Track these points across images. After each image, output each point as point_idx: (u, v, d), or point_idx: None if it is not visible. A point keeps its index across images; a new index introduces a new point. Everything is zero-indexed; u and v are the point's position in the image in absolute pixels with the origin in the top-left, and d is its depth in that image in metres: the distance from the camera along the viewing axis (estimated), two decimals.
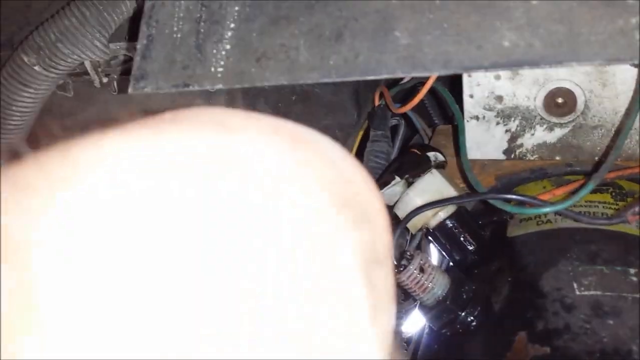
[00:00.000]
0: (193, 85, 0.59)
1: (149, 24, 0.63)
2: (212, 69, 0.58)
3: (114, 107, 1.03)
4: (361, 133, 1.04)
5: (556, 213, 0.65)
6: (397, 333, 0.83)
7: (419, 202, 0.74)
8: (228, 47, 0.59)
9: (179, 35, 0.61)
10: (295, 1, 0.57)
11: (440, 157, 0.79)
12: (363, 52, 0.53)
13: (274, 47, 0.57)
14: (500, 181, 0.85)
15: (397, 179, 0.76)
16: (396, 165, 0.85)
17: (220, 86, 0.58)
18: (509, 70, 0.73)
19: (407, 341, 0.85)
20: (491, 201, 0.68)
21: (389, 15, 0.53)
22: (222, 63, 0.58)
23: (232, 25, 0.59)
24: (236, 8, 0.60)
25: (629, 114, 0.70)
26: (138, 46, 0.62)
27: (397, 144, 0.98)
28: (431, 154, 0.78)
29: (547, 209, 0.63)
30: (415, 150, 0.82)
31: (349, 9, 0.55)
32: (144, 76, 0.61)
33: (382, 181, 0.81)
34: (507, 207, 0.67)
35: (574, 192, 0.73)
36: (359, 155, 1.02)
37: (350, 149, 1.03)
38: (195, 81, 0.59)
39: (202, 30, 0.60)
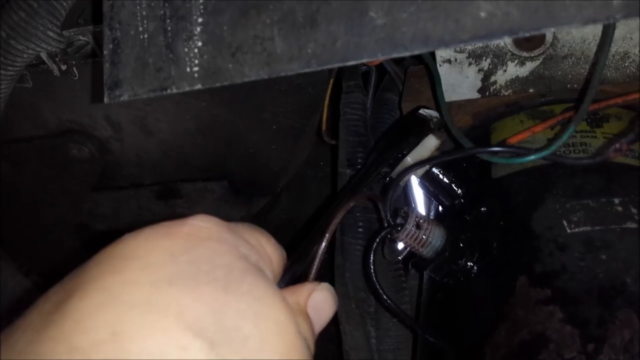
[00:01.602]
0: (171, 88, 0.58)
1: (111, 26, 0.60)
2: (188, 69, 0.57)
3: (76, 93, 1.01)
4: (331, 83, 1.04)
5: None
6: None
7: (412, 161, 0.76)
8: (200, 44, 0.57)
9: (145, 36, 0.59)
10: None
11: (435, 114, 0.80)
12: (340, 36, 0.52)
13: (248, 40, 0.56)
14: (477, 119, 0.86)
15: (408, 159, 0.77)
16: (396, 135, 0.84)
17: (199, 86, 0.57)
18: (488, 41, 0.72)
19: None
20: (478, 154, 0.70)
21: None
22: (196, 62, 0.57)
23: (200, 20, 0.57)
24: (201, 1, 0.58)
25: (600, 47, 0.71)
26: (105, 52, 0.60)
27: (371, 91, 0.98)
28: (426, 113, 0.79)
29: (531, 157, 0.65)
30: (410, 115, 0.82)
31: None
32: (117, 84, 0.59)
33: (391, 160, 0.81)
34: (493, 159, 0.69)
35: (552, 128, 0.75)
36: (333, 107, 1.02)
37: (322, 103, 1.03)
38: (172, 84, 0.58)
39: (169, 28, 0.58)
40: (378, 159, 0.76)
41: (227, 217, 1.25)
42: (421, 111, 0.78)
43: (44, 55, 0.92)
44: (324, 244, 0.54)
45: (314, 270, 0.51)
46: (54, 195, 1.16)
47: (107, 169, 1.13)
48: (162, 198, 1.18)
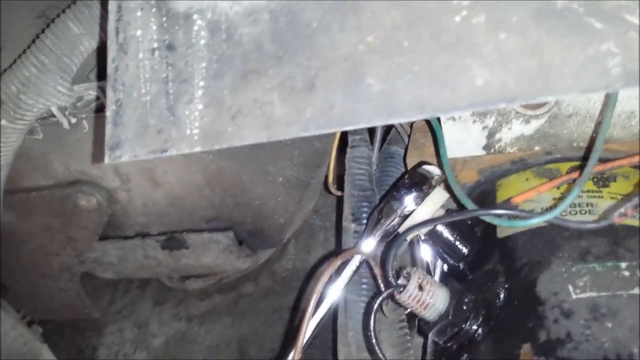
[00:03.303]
0: (171, 150, 0.58)
1: (115, 88, 0.61)
2: (188, 131, 0.58)
3: (86, 145, 1.02)
4: (338, 136, 1.04)
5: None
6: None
7: (421, 218, 0.75)
8: (200, 106, 0.58)
9: (148, 98, 0.60)
10: (262, 53, 0.56)
11: (437, 171, 0.80)
12: (337, 102, 0.53)
13: (247, 103, 0.56)
14: (482, 175, 0.85)
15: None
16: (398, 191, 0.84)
17: (198, 149, 0.57)
18: (485, 109, 0.73)
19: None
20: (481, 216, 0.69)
21: (358, 61, 0.53)
22: (196, 124, 0.58)
23: (202, 83, 0.58)
24: (203, 64, 0.58)
25: (605, 108, 0.71)
26: (107, 113, 0.61)
27: (376, 145, 0.98)
28: (427, 170, 0.79)
29: (535, 220, 0.64)
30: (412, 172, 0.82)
31: (317, 58, 0.54)
32: (118, 144, 0.60)
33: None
34: (497, 221, 0.68)
35: (558, 187, 0.74)
36: (339, 158, 1.02)
37: (328, 156, 1.03)
38: (172, 145, 0.58)
39: (171, 90, 0.59)
40: (379, 216, 0.76)
41: (232, 267, 1.25)
42: (423, 167, 0.78)
43: (54, 109, 0.93)
44: (312, 304, 0.53)
45: (302, 333, 0.50)
46: (61, 244, 1.17)
47: (114, 218, 1.14)
48: (168, 248, 1.17)
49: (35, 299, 1.29)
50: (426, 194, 0.76)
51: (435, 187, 0.76)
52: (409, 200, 0.77)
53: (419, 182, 0.77)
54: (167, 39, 0.60)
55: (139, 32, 0.61)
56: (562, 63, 0.48)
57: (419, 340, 0.92)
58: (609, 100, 0.62)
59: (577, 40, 0.48)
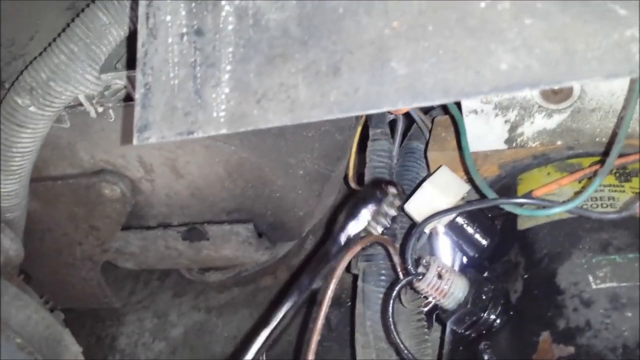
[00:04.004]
0: (197, 132, 0.59)
1: (144, 72, 0.63)
2: (214, 114, 0.59)
3: (111, 134, 1.04)
4: (359, 130, 1.05)
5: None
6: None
7: (434, 200, 0.76)
8: (227, 90, 0.59)
9: (176, 82, 0.61)
10: (288, 38, 0.57)
11: (392, 191, 0.82)
12: (362, 85, 0.54)
13: (273, 87, 0.57)
14: (504, 169, 0.86)
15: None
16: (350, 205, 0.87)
17: (224, 131, 0.58)
18: (509, 93, 0.73)
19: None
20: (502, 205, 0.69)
21: (384, 45, 0.54)
22: (223, 107, 0.59)
23: (228, 68, 0.59)
24: (230, 49, 0.60)
25: (627, 102, 0.71)
26: (136, 95, 0.62)
27: (397, 139, 0.99)
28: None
29: (557, 209, 0.64)
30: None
31: (342, 42, 0.55)
32: (147, 126, 0.61)
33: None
34: (518, 210, 0.68)
35: (580, 181, 0.74)
36: (360, 153, 1.03)
37: (349, 149, 1.04)
38: (198, 128, 0.59)
39: (198, 74, 0.60)
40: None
41: (251, 259, 1.26)
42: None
43: (81, 97, 0.95)
44: (330, 287, 0.54)
45: (321, 315, 0.51)
46: (84, 234, 1.19)
47: (137, 208, 1.15)
48: (189, 239, 1.19)
49: (57, 288, 1.31)
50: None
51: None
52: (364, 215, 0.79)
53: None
54: (196, 24, 0.61)
55: (168, 18, 0.63)
56: (586, 48, 0.48)
57: (436, 334, 0.93)
58: (633, 87, 0.62)
59: (602, 26, 0.48)
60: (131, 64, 0.90)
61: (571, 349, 0.58)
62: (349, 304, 1.20)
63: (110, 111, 0.99)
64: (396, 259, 0.74)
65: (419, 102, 0.51)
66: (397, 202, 0.82)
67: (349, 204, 0.82)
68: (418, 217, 0.80)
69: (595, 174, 0.70)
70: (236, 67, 0.59)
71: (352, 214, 0.79)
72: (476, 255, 0.78)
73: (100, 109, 0.98)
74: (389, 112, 0.99)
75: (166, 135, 0.60)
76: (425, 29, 0.52)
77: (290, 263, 1.33)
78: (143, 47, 0.63)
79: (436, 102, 0.51)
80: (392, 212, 0.80)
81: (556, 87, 0.77)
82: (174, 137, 0.60)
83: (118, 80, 0.94)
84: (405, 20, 0.53)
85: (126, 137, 1.00)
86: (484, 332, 0.67)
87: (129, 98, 0.96)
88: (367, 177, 0.96)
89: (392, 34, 0.53)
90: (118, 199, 1.11)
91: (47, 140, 0.99)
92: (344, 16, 0.55)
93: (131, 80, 0.92)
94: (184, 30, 0.62)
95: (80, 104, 0.97)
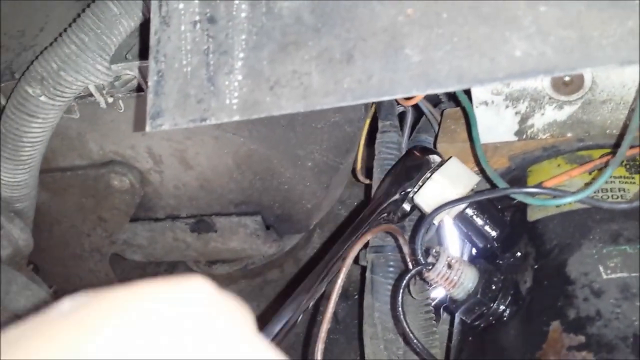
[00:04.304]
0: (210, 119, 0.59)
1: (157, 59, 0.63)
2: (227, 101, 0.59)
3: (121, 125, 1.04)
4: (368, 122, 1.05)
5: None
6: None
7: (444, 191, 0.76)
8: (240, 77, 0.59)
9: (189, 69, 0.61)
10: (301, 26, 0.57)
11: (438, 160, 0.81)
12: (376, 72, 0.54)
13: (286, 74, 0.57)
14: (513, 161, 0.86)
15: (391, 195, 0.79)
16: (396, 172, 0.86)
17: (237, 118, 0.58)
18: (523, 80, 0.73)
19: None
20: (513, 194, 0.69)
21: (398, 32, 0.54)
22: (236, 94, 0.59)
23: (241, 55, 0.59)
24: (243, 37, 0.60)
25: (639, 93, 0.70)
26: (149, 83, 0.63)
27: (406, 131, 0.99)
28: (431, 158, 0.80)
29: (568, 199, 0.64)
30: (416, 153, 0.83)
31: (356, 29, 0.55)
32: (159, 113, 0.61)
33: (382, 194, 0.83)
34: (529, 200, 0.68)
35: (590, 172, 0.74)
36: (369, 146, 1.03)
37: (358, 142, 1.04)
38: (211, 115, 0.59)
39: (211, 62, 0.61)
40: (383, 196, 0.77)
41: (259, 252, 1.26)
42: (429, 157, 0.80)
43: (92, 88, 0.95)
44: (341, 277, 0.54)
45: (331, 306, 0.51)
46: (92, 225, 1.19)
47: (145, 199, 1.16)
48: (197, 231, 1.19)
49: (65, 279, 1.32)
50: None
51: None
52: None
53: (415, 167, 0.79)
54: (209, 12, 0.62)
55: (181, 5, 0.63)
56: (601, 35, 0.48)
57: (443, 327, 0.93)
58: None
59: (616, 13, 0.48)
60: (142, 54, 0.91)
61: (582, 338, 0.58)
62: (356, 296, 1.20)
63: (120, 102, 1.00)
64: (406, 249, 0.74)
65: (433, 89, 0.51)
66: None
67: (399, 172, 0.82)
68: (427, 208, 0.80)
69: (605, 165, 0.70)
70: (249, 54, 0.59)
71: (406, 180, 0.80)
72: (485, 247, 0.78)
73: (110, 100, 0.98)
74: (398, 103, 0.99)
75: (179, 122, 0.60)
76: (440, 16, 0.52)
77: (297, 256, 1.34)
78: (156, 35, 0.63)
79: (450, 89, 0.51)
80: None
81: (571, 74, 0.77)
82: (187, 124, 0.60)
83: (128, 70, 0.94)
84: (419, 7, 0.53)
85: (138, 125, 1.00)
86: (494, 322, 0.67)
87: (139, 89, 0.96)
88: (376, 170, 0.96)
89: (406, 21, 0.53)
90: (127, 190, 1.12)
91: (56, 131, 1.00)
92: (357, 4, 0.55)
93: (141, 71, 0.92)
94: (197, 17, 0.62)
95: (91, 95, 0.98)
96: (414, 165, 0.80)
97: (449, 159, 0.83)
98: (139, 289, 0.34)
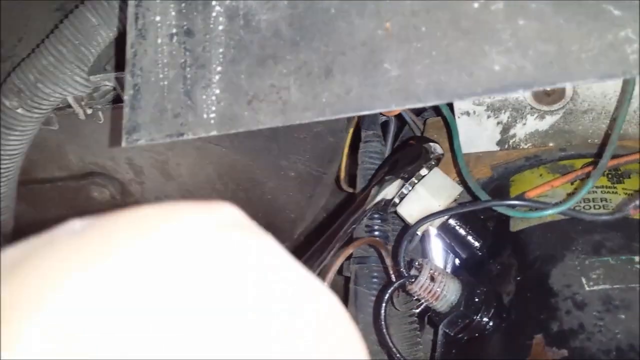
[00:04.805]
0: (187, 134, 0.58)
1: (133, 73, 0.62)
2: (205, 116, 0.58)
3: (101, 136, 1.03)
4: (351, 132, 1.04)
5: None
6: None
7: (427, 203, 0.75)
8: (217, 91, 0.58)
9: (165, 83, 0.60)
10: (279, 39, 0.57)
11: (439, 150, 0.80)
12: (354, 87, 0.53)
13: (264, 89, 0.56)
14: (496, 171, 0.85)
15: (392, 177, 0.78)
16: (392, 161, 0.85)
17: (214, 133, 0.58)
18: (503, 94, 0.73)
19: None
20: (495, 207, 0.69)
21: (376, 46, 0.53)
22: (213, 109, 0.58)
23: (219, 69, 0.59)
24: (220, 50, 0.59)
25: (620, 103, 0.70)
26: (125, 97, 0.62)
27: (389, 141, 0.98)
28: (430, 146, 0.79)
29: (550, 211, 0.64)
30: (413, 142, 0.82)
31: (334, 43, 0.55)
32: (135, 128, 0.60)
33: (377, 180, 0.82)
34: (510, 212, 0.68)
35: (572, 182, 0.74)
36: (352, 155, 1.02)
37: (341, 151, 1.03)
38: (188, 129, 0.58)
39: (188, 75, 0.60)
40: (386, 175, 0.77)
41: None
42: (427, 145, 0.79)
43: (70, 99, 0.94)
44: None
45: None
46: None
47: None
48: None
49: None
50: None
51: (432, 163, 0.77)
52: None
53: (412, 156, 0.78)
54: (186, 25, 0.61)
55: (158, 18, 0.62)
56: (580, 49, 0.48)
57: (428, 336, 0.92)
58: (626, 88, 0.62)
59: (596, 27, 0.48)
60: (120, 65, 0.89)
61: (564, 352, 0.57)
62: None
63: (100, 113, 0.98)
64: (388, 261, 0.73)
65: (412, 104, 0.51)
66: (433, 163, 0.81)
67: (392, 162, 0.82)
68: (410, 219, 0.80)
69: (587, 175, 0.70)
70: (227, 68, 0.58)
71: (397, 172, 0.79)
72: (468, 258, 0.78)
73: (89, 111, 0.97)
74: (381, 113, 0.98)
75: (155, 137, 0.59)
76: (418, 30, 0.52)
77: None
78: (132, 48, 0.62)
79: (429, 104, 0.50)
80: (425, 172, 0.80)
81: (549, 89, 0.77)
82: (164, 139, 0.59)
83: (107, 82, 0.93)
84: (398, 21, 0.52)
85: (115, 139, 0.99)
86: (477, 334, 0.67)
87: (118, 100, 0.95)
88: (359, 180, 0.96)
89: (385, 35, 0.53)
90: (107, 202, 1.10)
91: (35, 142, 0.98)
92: (335, 17, 0.55)
93: (120, 82, 0.91)
94: (174, 30, 0.61)
95: (69, 106, 0.96)
96: (412, 154, 0.80)
97: (430, 169, 0.82)
98: (161, 209, 0.30)
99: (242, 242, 0.30)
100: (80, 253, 0.27)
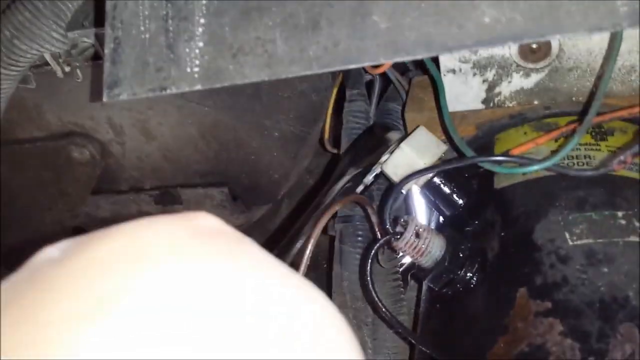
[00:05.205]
0: (170, 88, 0.57)
1: (113, 26, 0.60)
2: (188, 70, 0.57)
3: (79, 95, 1.00)
4: (335, 91, 1.03)
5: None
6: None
7: (412, 161, 0.76)
8: (201, 44, 0.57)
9: (147, 36, 0.59)
10: None
11: (397, 137, 0.81)
12: (342, 40, 0.52)
13: (249, 41, 0.55)
14: (481, 129, 0.85)
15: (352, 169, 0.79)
16: (352, 153, 0.86)
17: (198, 87, 0.56)
18: (492, 46, 0.72)
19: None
20: (480, 163, 0.69)
21: None
22: (197, 62, 0.57)
23: (202, 21, 0.57)
24: (203, 2, 0.57)
25: (606, 59, 0.70)
26: (106, 50, 0.60)
27: (374, 100, 0.98)
28: (388, 137, 0.80)
29: (535, 167, 0.64)
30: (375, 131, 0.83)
31: None
32: (117, 82, 0.59)
33: (338, 172, 0.83)
34: (496, 168, 0.68)
35: (556, 140, 0.74)
36: (336, 115, 1.02)
37: (325, 111, 1.02)
38: (171, 84, 0.57)
39: (171, 28, 0.58)
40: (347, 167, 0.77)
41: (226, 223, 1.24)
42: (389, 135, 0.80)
43: (47, 56, 0.91)
44: (309, 248, 0.54)
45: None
46: (53, 198, 1.16)
47: (107, 172, 1.13)
48: (162, 203, 1.17)
49: (26, 255, 1.28)
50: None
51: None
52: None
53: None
54: None
55: None
56: (570, 2, 0.47)
57: (411, 293, 0.93)
58: (613, 45, 0.62)
59: None
60: (99, 21, 0.87)
61: (548, 304, 0.58)
62: (325, 266, 1.20)
63: (78, 71, 0.96)
64: (374, 219, 0.73)
65: (401, 57, 0.50)
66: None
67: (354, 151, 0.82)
68: (395, 177, 0.80)
69: (572, 132, 0.70)
70: (210, 20, 0.57)
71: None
72: (453, 215, 0.78)
73: (67, 69, 0.94)
74: (366, 72, 0.97)
75: (137, 92, 0.58)
76: None
77: (265, 227, 1.32)
78: (112, 0, 0.61)
79: (418, 57, 0.50)
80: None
81: (540, 41, 0.77)
82: (146, 94, 0.58)
83: (86, 38, 0.90)
84: None
85: (95, 94, 0.97)
86: (461, 289, 0.68)
87: (97, 57, 0.92)
88: (343, 140, 0.95)
89: None
90: (87, 162, 1.08)
91: (12, 102, 0.96)
92: None
93: (99, 38, 0.88)
94: None
95: (47, 64, 0.94)
96: (374, 143, 0.80)
97: (416, 128, 0.82)
98: (136, 225, 0.30)
99: (232, 249, 0.31)
100: (66, 284, 0.26)
